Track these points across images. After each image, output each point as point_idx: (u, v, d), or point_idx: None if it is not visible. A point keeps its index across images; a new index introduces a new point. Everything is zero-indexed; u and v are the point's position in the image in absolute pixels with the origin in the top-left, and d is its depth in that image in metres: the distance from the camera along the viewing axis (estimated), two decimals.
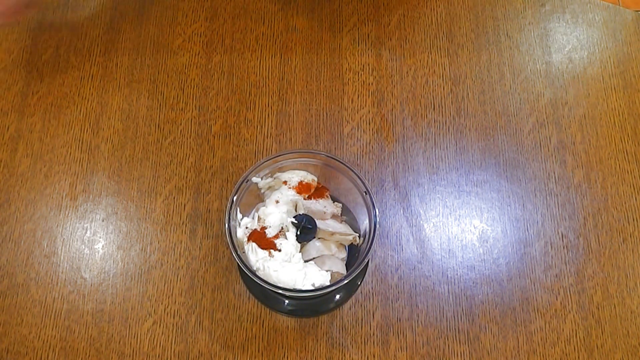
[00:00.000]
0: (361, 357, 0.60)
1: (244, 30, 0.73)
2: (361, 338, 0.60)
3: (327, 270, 0.56)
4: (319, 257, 0.57)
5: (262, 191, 0.60)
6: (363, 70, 0.71)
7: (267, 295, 0.60)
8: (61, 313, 0.61)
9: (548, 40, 0.74)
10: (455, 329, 0.61)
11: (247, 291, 0.61)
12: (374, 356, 0.60)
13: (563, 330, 0.61)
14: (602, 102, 0.70)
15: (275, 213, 0.58)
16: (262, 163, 0.56)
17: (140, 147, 0.68)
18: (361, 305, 0.61)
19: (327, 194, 0.61)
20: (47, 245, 0.64)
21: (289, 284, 0.53)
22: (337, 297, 0.61)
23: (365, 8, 0.74)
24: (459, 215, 0.65)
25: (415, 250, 0.64)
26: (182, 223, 0.64)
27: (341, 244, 0.59)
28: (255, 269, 0.54)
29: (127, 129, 0.68)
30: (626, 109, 0.70)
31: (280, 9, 0.74)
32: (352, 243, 0.60)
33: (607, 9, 0.76)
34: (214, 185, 0.66)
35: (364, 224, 0.58)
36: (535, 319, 0.61)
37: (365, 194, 0.56)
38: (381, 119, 0.69)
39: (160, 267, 0.63)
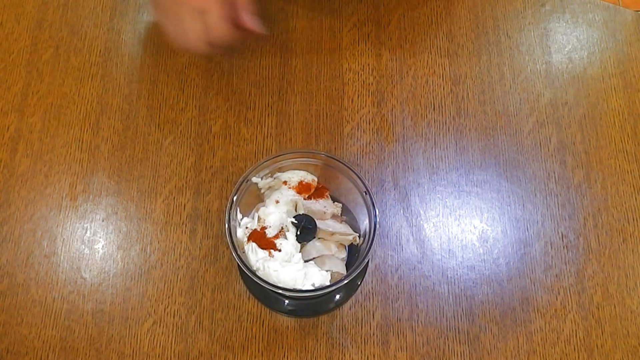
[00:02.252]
0: (361, 357, 0.60)
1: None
2: (361, 338, 0.60)
3: (327, 270, 0.56)
4: (319, 257, 0.57)
5: (262, 191, 0.60)
6: (363, 70, 0.71)
7: (267, 295, 0.60)
8: (61, 313, 0.61)
9: (548, 40, 0.74)
10: (455, 329, 0.61)
11: (247, 291, 0.61)
12: (374, 356, 0.60)
13: (563, 330, 0.61)
14: (602, 102, 0.70)
15: (275, 213, 0.58)
16: (262, 163, 0.56)
17: (140, 147, 0.68)
18: (361, 305, 0.61)
19: (327, 194, 0.61)
20: (47, 245, 0.64)
21: (289, 284, 0.54)
22: (337, 297, 0.61)
23: (365, 8, 0.74)
24: (459, 215, 0.65)
25: (415, 250, 0.64)
26: (182, 223, 0.64)
27: (341, 244, 0.59)
28: (255, 269, 0.54)
29: (127, 129, 0.68)
30: (626, 109, 0.70)
31: (280, 9, 0.74)
32: (352, 243, 0.60)
33: (607, 9, 0.76)
34: (214, 185, 0.66)
35: (364, 224, 0.58)
36: (535, 319, 0.61)
37: (365, 194, 0.56)
38: (381, 119, 0.69)
39: (160, 267, 0.63)
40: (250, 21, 0.63)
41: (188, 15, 0.60)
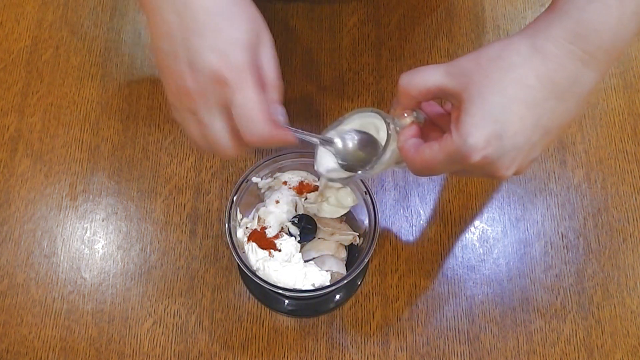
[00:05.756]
0: (361, 357, 0.60)
1: None
2: (361, 338, 0.60)
3: (327, 270, 0.56)
4: (319, 257, 0.58)
5: (262, 191, 0.60)
6: (363, 70, 0.71)
7: (267, 295, 0.60)
8: (61, 313, 0.61)
9: None
10: (455, 329, 0.61)
11: (247, 291, 0.61)
12: (374, 356, 0.60)
13: (563, 330, 0.61)
14: (602, 102, 0.70)
15: (275, 213, 0.58)
16: (262, 163, 0.56)
17: (140, 147, 0.68)
18: (361, 305, 0.61)
19: None
20: (47, 245, 0.64)
21: (289, 284, 0.54)
22: (337, 297, 0.61)
23: (365, 8, 0.74)
24: (459, 215, 0.65)
25: (415, 250, 0.64)
26: (182, 223, 0.64)
27: (341, 244, 0.59)
28: (255, 269, 0.55)
29: (127, 129, 0.68)
30: (626, 109, 0.70)
31: (280, 9, 0.74)
32: (352, 243, 0.60)
33: None
34: (214, 185, 0.66)
35: (364, 224, 0.58)
36: (535, 319, 0.61)
37: (365, 194, 0.56)
38: None
39: (160, 267, 0.63)
40: (283, 121, 0.46)
41: (208, 112, 0.43)
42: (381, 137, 0.48)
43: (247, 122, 0.43)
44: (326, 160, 0.50)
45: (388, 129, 0.47)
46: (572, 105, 0.43)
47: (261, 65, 0.44)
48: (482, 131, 0.41)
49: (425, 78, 0.44)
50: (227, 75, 0.42)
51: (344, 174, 0.49)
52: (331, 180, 0.50)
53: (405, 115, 0.47)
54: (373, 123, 0.49)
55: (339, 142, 0.50)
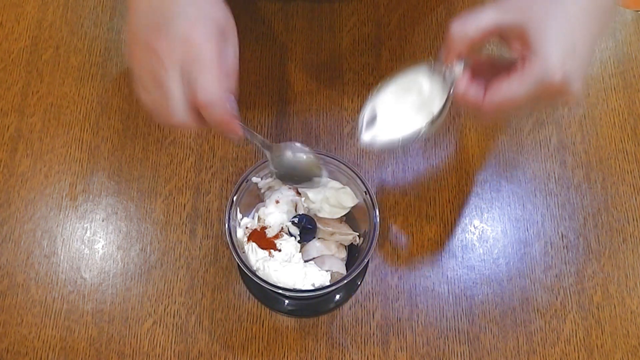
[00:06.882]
0: (361, 357, 0.60)
1: (244, 30, 0.73)
2: (361, 338, 0.60)
3: (327, 270, 0.56)
4: (319, 257, 0.57)
5: (262, 191, 0.60)
6: (363, 70, 0.71)
7: (267, 295, 0.60)
8: (61, 313, 0.61)
9: None
10: (455, 329, 0.61)
11: (247, 291, 0.61)
12: (374, 356, 0.60)
13: (563, 330, 0.61)
14: (602, 102, 0.70)
15: (275, 213, 0.58)
16: (262, 163, 0.56)
17: (140, 147, 0.68)
18: (361, 305, 0.61)
19: None
20: (47, 245, 0.64)
21: (289, 284, 0.54)
22: (337, 297, 0.61)
23: (365, 8, 0.74)
24: (459, 215, 0.65)
25: (415, 251, 0.64)
26: (182, 223, 0.64)
27: (341, 244, 0.59)
28: (255, 269, 0.55)
29: (127, 129, 0.68)
30: (626, 109, 0.70)
31: (280, 9, 0.74)
32: (352, 243, 0.60)
33: None
34: (214, 185, 0.66)
35: (364, 224, 0.58)
36: (535, 319, 0.61)
37: (365, 193, 0.56)
38: None
39: (160, 267, 0.63)
40: (234, 109, 0.48)
41: (169, 74, 0.46)
42: (425, 94, 0.48)
43: (209, 100, 0.46)
44: (371, 129, 0.51)
45: (445, 79, 0.47)
46: (597, 32, 0.49)
47: (225, 52, 0.48)
48: (558, 49, 0.44)
49: (480, 20, 0.47)
50: (196, 39, 0.46)
51: (391, 136, 0.50)
52: (376, 147, 0.51)
53: (456, 63, 0.47)
54: (415, 81, 0.49)
55: (276, 149, 0.53)
